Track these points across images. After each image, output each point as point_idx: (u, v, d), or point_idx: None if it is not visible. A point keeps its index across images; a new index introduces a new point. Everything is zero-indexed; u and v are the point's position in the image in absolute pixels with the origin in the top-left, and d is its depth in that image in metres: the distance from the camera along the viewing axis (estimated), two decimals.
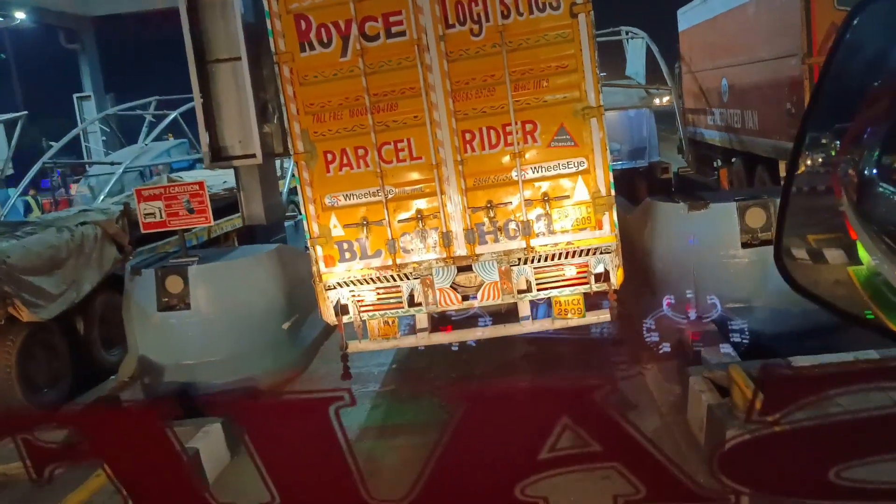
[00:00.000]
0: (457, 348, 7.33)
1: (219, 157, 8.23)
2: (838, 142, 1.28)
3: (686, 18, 14.56)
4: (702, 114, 14.05)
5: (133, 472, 1.67)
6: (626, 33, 14.89)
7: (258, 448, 1.57)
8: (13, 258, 7.24)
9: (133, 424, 1.74)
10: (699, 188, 11.84)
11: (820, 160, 1.32)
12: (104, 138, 21.51)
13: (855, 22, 1.16)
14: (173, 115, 17.58)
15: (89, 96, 23.94)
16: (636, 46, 14.42)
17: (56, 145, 17.53)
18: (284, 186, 12.25)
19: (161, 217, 7.71)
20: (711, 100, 13.27)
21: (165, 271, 7.45)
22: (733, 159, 12.80)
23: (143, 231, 8.07)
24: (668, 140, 14.92)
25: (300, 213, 6.92)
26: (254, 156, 8.13)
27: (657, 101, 13.87)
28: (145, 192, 7.90)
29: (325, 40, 6.50)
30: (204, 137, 8.10)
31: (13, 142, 18.57)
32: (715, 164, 13.82)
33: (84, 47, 27.19)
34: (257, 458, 1.57)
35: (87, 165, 19.63)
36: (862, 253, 1.21)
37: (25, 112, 19.30)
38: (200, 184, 7.86)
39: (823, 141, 1.30)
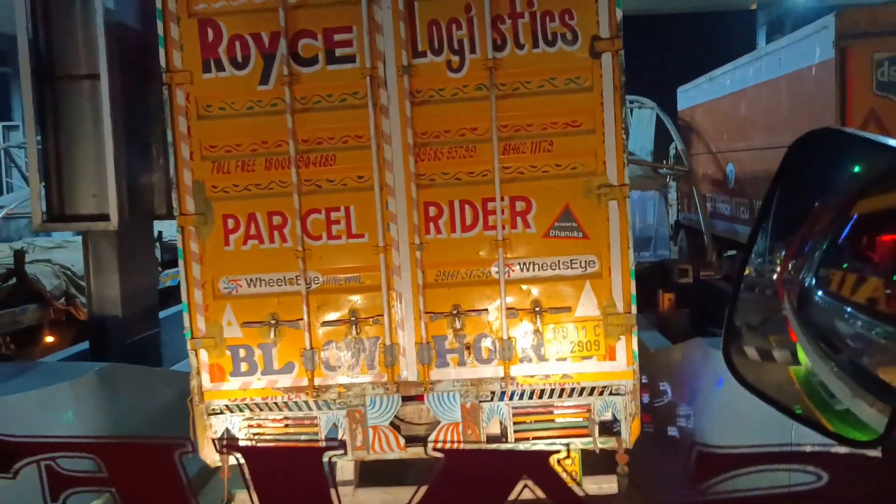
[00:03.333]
0: None
1: (59, 215, 5.97)
2: (784, 252, 1.38)
3: (688, 97, 13.42)
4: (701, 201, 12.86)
5: None
6: (631, 102, 13.12)
7: None
8: (75, 267, 8.44)
9: None
10: None
11: (767, 266, 1.41)
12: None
13: (795, 153, 1.32)
14: None
15: (18, 126, 21.43)
16: (643, 118, 12.75)
17: None
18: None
19: None
20: (713, 186, 12.01)
21: None
22: (731, 252, 11.41)
23: None
24: None
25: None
26: (107, 217, 5.91)
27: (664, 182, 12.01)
28: None
29: (240, 59, 4.57)
30: (35, 184, 5.92)
31: None
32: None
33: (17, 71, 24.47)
34: None
35: None
36: (801, 354, 1.30)
37: None
38: None
39: (771, 248, 1.41)
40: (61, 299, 8.42)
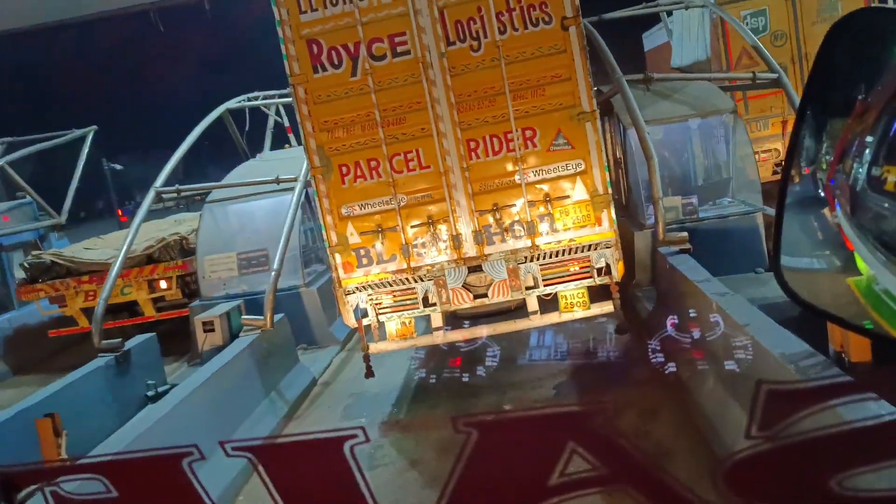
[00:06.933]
0: (468, 378, 7.48)
1: None
2: (829, 155, 1.31)
3: (650, 40, 15.87)
4: None
5: None
6: (673, 3, 10.66)
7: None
8: (190, 237, 12.18)
9: None
10: None
11: (812, 172, 1.35)
12: None
13: (833, 41, 1.20)
14: None
15: None
16: (691, 22, 10.89)
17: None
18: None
19: None
20: None
21: None
22: None
23: None
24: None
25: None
26: None
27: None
28: None
29: (336, 62, 7.00)
30: None
31: (78, 168, 14.59)
32: None
33: None
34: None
35: None
36: (860, 263, 1.22)
37: (94, 127, 15.14)
38: None
39: (815, 154, 1.34)
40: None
